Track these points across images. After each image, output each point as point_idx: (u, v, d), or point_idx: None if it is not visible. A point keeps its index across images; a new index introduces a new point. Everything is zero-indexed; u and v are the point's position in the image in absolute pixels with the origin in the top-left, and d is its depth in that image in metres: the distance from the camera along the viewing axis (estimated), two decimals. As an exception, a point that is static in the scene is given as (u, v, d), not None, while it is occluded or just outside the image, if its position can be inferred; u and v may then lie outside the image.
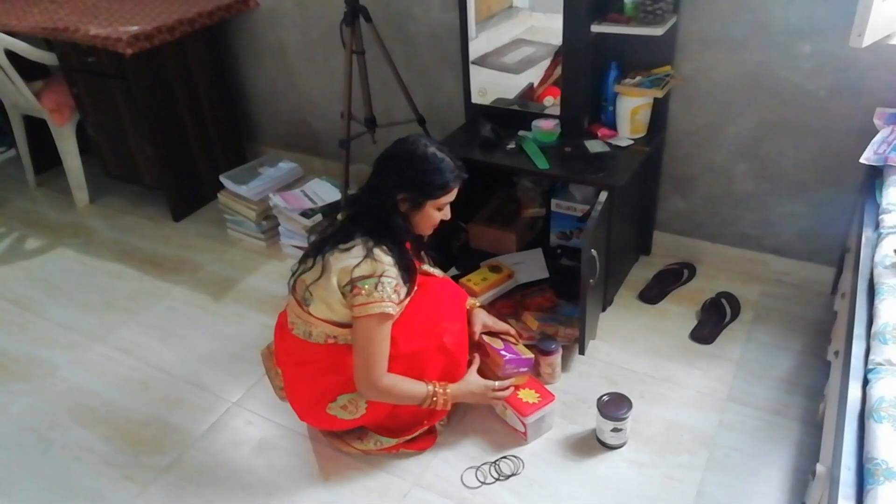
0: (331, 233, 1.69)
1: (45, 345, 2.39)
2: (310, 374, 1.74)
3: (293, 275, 1.75)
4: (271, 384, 1.96)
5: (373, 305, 1.57)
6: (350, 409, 1.73)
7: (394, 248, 1.64)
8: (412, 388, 1.68)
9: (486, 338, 1.89)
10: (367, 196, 1.68)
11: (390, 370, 1.66)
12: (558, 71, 2.22)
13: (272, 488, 1.82)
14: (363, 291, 1.57)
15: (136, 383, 2.20)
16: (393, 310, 1.61)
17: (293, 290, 1.75)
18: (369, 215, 1.66)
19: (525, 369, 1.88)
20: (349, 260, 1.60)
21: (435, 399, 1.70)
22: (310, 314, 1.68)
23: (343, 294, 1.60)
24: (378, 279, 1.58)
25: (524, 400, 1.85)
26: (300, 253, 2.68)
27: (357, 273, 1.58)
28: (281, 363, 1.82)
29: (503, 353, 1.84)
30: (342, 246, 1.62)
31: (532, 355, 1.91)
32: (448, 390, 1.73)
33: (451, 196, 1.73)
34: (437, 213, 1.73)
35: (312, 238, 1.85)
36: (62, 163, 3.16)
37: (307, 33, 2.91)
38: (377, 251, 1.60)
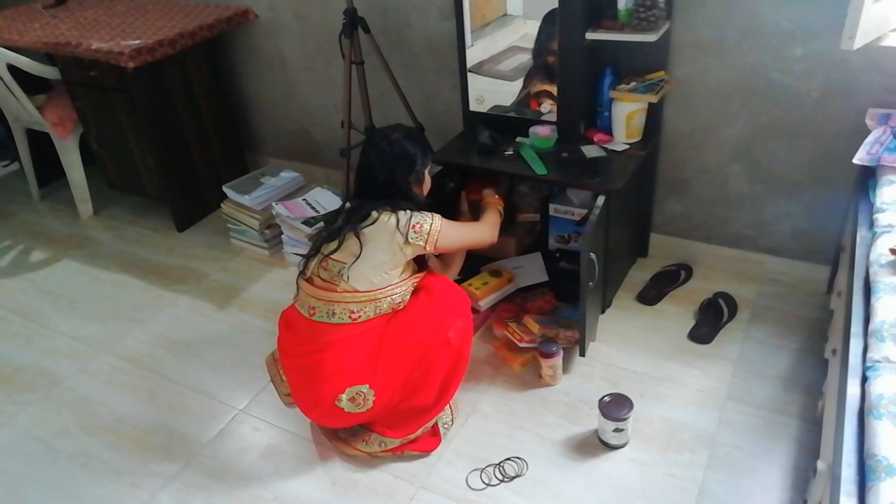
0: (343, 220, 1.85)
1: (52, 355, 2.41)
2: (325, 361, 1.78)
3: (305, 267, 1.89)
4: (276, 391, 1.99)
5: (434, 223, 1.86)
6: (358, 401, 1.78)
7: (408, 205, 1.87)
8: (495, 222, 2.15)
9: None
10: (384, 192, 1.87)
11: (402, 356, 1.81)
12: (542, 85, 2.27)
13: (279, 493, 1.84)
14: (421, 223, 1.84)
15: (143, 392, 2.22)
16: (440, 218, 1.89)
17: (311, 278, 1.86)
18: (388, 199, 1.85)
19: None
20: (387, 225, 1.80)
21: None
22: (339, 292, 1.79)
23: (413, 245, 1.83)
24: (416, 212, 1.85)
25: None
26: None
27: (402, 223, 1.81)
28: (291, 355, 1.87)
29: None
30: (366, 223, 1.80)
31: None
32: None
33: None
34: (428, 174, 2.00)
35: (318, 231, 2.00)
36: (66, 175, 3.19)
37: (306, 44, 2.95)
38: (398, 209, 1.84)
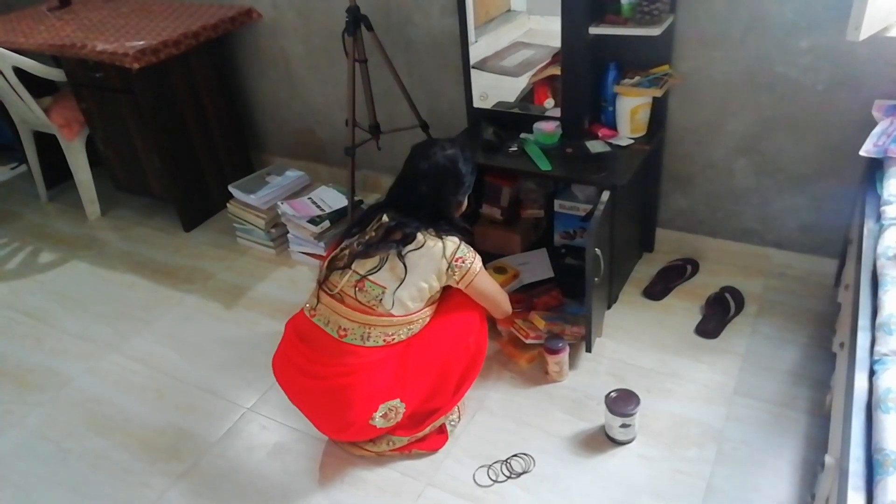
0: (381, 236, 1.77)
1: (61, 356, 2.43)
2: (354, 384, 1.74)
3: (328, 278, 1.80)
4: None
5: (475, 264, 1.84)
6: (390, 416, 1.78)
7: (451, 230, 1.86)
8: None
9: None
10: (425, 207, 1.82)
11: (427, 366, 1.84)
12: (549, 70, 2.25)
13: (288, 492, 1.85)
14: (465, 258, 1.81)
15: (151, 391, 2.23)
16: (479, 259, 1.88)
17: (342, 296, 1.76)
18: (429, 217, 1.82)
19: None
20: (433, 251, 1.77)
21: None
22: (377, 315, 1.75)
23: (449, 276, 1.81)
24: (463, 244, 1.83)
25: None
26: (309, 260, 2.74)
27: (449, 252, 1.79)
28: (312, 375, 1.78)
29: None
30: (411, 247, 1.76)
31: None
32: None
33: None
34: (467, 197, 1.98)
35: (346, 239, 1.88)
36: (73, 177, 3.21)
37: (310, 43, 2.95)
38: (442, 234, 1.81)
